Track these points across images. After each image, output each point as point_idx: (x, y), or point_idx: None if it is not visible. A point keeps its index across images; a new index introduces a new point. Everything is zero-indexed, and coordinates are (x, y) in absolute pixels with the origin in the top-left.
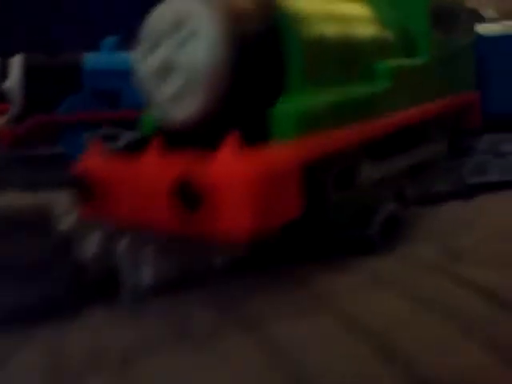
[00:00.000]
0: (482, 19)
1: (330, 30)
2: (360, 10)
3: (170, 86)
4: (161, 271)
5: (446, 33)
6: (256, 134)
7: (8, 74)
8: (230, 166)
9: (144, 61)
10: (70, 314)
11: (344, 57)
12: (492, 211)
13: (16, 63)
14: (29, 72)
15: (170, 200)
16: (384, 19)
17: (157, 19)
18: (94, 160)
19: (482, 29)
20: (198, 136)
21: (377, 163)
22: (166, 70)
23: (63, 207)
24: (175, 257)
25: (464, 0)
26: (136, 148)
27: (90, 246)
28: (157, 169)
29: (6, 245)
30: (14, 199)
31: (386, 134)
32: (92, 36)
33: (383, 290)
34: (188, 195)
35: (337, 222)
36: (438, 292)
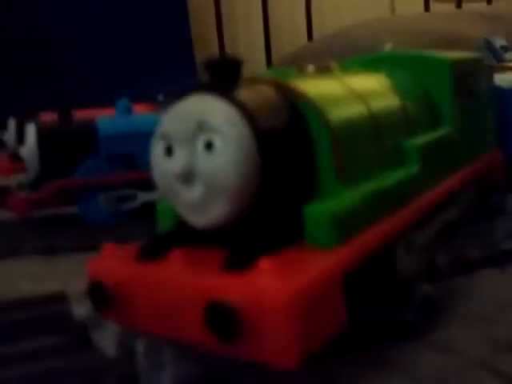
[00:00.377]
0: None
1: (355, 111)
2: (378, 83)
3: (192, 193)
4: (183, 374)
5: (469, 94)
6: (287, 239)
7: (23, 137)
8: (267, 287)
9: (161, 162)
10: None
11: (372, 139)
12: None
13: (31, 130)
14: (43, 139)
15: (201, 324)
16: (405, 89)
17: (174, 119)
18: (108, 263)
19: (499, 80)
20: (225, 237)
21: (411, 235)
22: (187, 177)
23: (79, 292)
24: (198, 358)
25: (482, 57)
26: (156, 249)
27: (107, 341)
28: (182, 283)
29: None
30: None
31: (422, 215)
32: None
33: None
34: (221, 325)
35: (372, 309)
36: None
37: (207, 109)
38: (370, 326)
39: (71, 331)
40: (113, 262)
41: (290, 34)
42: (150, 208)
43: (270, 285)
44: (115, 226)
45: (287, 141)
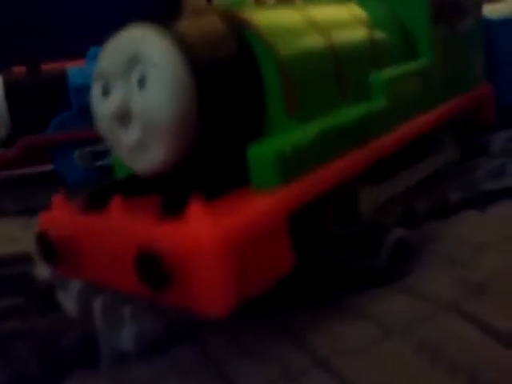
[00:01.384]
0: None
1: (312, 43)
2: (345, 14)
3: (129, 135)
4: (143, 331)
5: (451, 25)
6: (231, 181)
7: None
8: (198, 231)
9: (98, 104)
10: None
11: (331, 73)
12: (507, 225)
13: None
14: (12, 93)
15: (134, 271)
16: (377, 20)
17: (108, 55)
18: (57, 214)
19: (489, 11)
20: (168, 181)
21: (380, 186)
22: (122, 117)
23: None
24: (157, 315)
25: None
26: (100, 199)
27: (70, 300)
28: (119, 229)
29: None
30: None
31: (388, 154)
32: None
33: (397, 344)
34: (151, 273)
35: (341, 257)
36: (456, 340)
37: (140, 40)
38: (336, 273)
39: (34, 292)
40: (60, 212)
41: None
42: None
43: (198, 230)
44: (94, 182)
45: (231, 75)
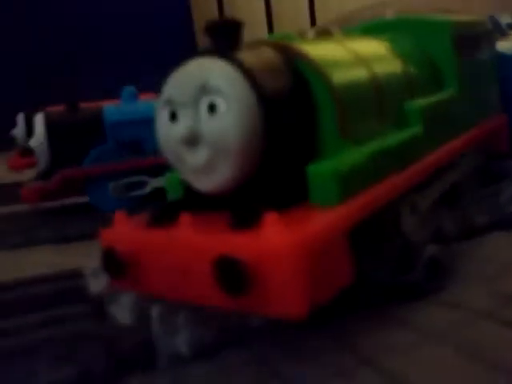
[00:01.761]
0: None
1: (358, 74)
2: (380, 47)
3: (197, 157)
4: (197, 336)
5: (471, 57)
6: (293, 198)
7: (32, 130)
8: (275, 241)
9: (166, 128)
10: None
11: (374, 101)
12: None
13: (39, 121)
14: (52, 129)
15: (211, 281)
16: (407, 54)
17: (177, 83)
18: (121, 231)
19: (501, 46)
20: (231, 200)
21: (416, 197)
22: (191, 140)
23: (93, 267)
24: (210, 320)
25: (485, 20)
26: (165, 216)
27: (123, 311)
28: (192, 243)
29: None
30: (46, 258)
31: (425, 177)
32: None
33: (437, 346)
34: (232, 279)
35: (381, 272)
36: (494, 342)
37: (209, 70)
38: (378, 287)
39: (88, 303)
40: (125, 229)
41: (293, 20)
42: (159, 194)
43: (275, 237)
44: (126, 212)
45: (289, 102)
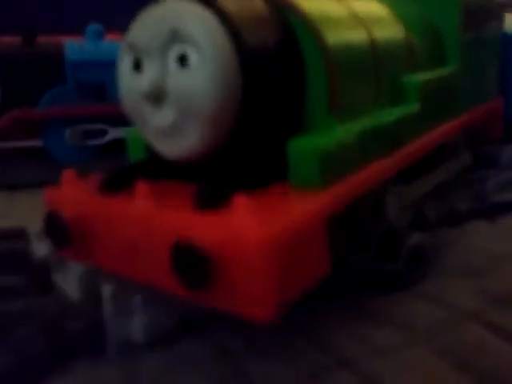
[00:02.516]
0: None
1: (356, 37)
2: (381, 10)
3: (162, 117)
4: (153, 321)
5: (477, 35)
6: (269, 177)
7: None
8: (244, 229)
9: (127, 79)
10: (48, 374)
11: (371, 70)
12: None
13: None
14: (4, 63)
15: (168, 266)
16: (411, 21)
17: (144, 27)
18: (69, 193)
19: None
20: (198, 170)
21: (403, 189)
22: (155, 97)
23: (39, 231)
24: (168, 306)
25: None
26: (121, 180)
27: (71, 283)
28: (148, 218)
29: None
30: None
31: (417, 159)
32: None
33: (421, 350)
34: (190, 269)
35: (361, 259)
36: (480, 349)
37: (182, 15)
38: (358, 276)
39: (31, 271)
40: (73, 191)
41: None
42: (120, 146)
43: (249, 226)
44: (82, 162)
45: (275, 61)
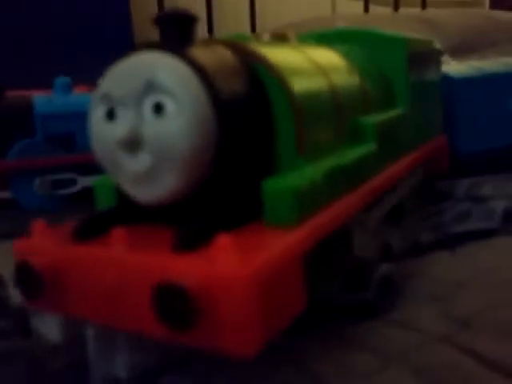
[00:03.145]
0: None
1: (318, 84)
2: (337, 58)
3: (138, 163)
4: (137, 358)
5: (421, 77)
6: (244, 217)
7: None
8: (228, 268)
9: (100, 128)
10: None
11: (332, 114)
12: (481, 266)
13: None
14: None
15: (149, 310)
16: (361, 67)
17: (118, 78)
18: (40, 242)
19: (448, 68)
20: (174, 213)
21: (365, 217)
22: (131, 144)
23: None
24: (152, 343)
25: (433, 41)
26: (93, 228)
27: (50, 328)
28: (126, 263)
29: None
30: None
31: (377, 195)
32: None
33: (398, 372)
34: (173, 310)
35: (331, 291)
36: (453, 369)
37: (157, 66)
38: (330, 307)
39: (9, 316)
40: (44, 240)
41: (234, 22)
42: (90, 194)
43: (230, 264)
44: (52, 212)
45: (246, 108)
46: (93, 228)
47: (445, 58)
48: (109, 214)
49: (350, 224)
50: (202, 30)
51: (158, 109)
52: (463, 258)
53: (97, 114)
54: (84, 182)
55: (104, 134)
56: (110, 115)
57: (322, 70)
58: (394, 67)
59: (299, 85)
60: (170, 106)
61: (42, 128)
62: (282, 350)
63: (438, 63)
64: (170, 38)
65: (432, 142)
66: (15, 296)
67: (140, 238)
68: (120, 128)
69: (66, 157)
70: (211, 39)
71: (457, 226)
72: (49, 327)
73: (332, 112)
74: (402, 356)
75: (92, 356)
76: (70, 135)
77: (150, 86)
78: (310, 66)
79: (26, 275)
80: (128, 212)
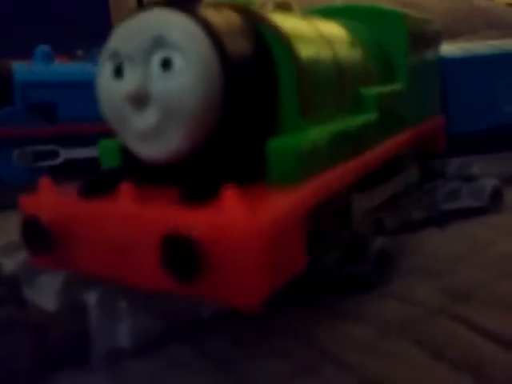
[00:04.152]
0: None
1: (322, 52)
2: (342, 31)
3: (145, 119)
4: (140, 328)
5: (420, 55)
6: (248, 174)
7: None
8: (237, 219)
9: (108, 84)
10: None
11: (336, 82)
12: (474, 241)
13: None
14: None
15: (156, 261)
16: (363, 40)
17: (126, 35)
18: (47, 198)
19: (443, 49)
20: (179, 172)
21: (365, 195)
22: (139, 100)
23: (3, 244)
24: (156, 310)
25: (433, 21)
26: (101, 185)
27: (45, 295)
28: (134, 216)
29: None
30: None
31: (377, 166)
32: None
33: (398, 342)
34: (180, 259)
35: (329, 262)
36: (453, 340)
37: (166, 23)
38: (327, 279)
39: (2, 284)
40: (52, 196)
41: None
42: (73, 167)
43: (237, 215)
44: (33, 185)
45: (252, 68)
46: (99, 185)
47: None
48: (115, 172)
49: (349, 199)
50: None
51: (166, 64)
52: (455, 234)
53: (105, 72)
54: (66, 153)
55: (112, 90)
56: (118, 72)
57: (326, 39)
58: (393, 42)
59: (305, 50)
60: (177, 61)
61: (22, 97)
62: (281, 319)
63: (438, 44)
64: None
65: (430, 121)
66: (6, 266)
67: (147, 193)
68: (128, 84)
69: (48, 128)
70: (219, 2)
71: (447, 204)
72: (44, 296)
73: (335, 80)
74: (401, 327)
75: (94, 325)
76: (51, 105)
77: (159, 42)
78: (316, 35)
79: (33, 230)
80: (134, 171)
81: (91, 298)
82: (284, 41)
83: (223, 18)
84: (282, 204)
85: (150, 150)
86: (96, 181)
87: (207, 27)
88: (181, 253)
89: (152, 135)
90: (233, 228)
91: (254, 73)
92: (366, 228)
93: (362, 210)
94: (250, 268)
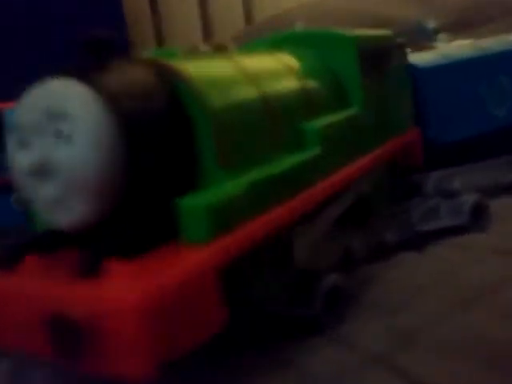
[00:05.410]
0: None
1: (244, 94)
2: (277, 64)
3: (48, 190)
4: None
5: (379, 73)
6: (160, 237)
7: None
8: (114, 294)
9: (16, 157)
10: None
11: (264, 123)
12: (443, 266)
13: None
14: None
15: (47, 338)
16: (309, 70)
17: (26, 108)
18: None
19: (415, 58)
20: (90, 238)
21: (309, 227)
22: (41, 171)
23: None
24: (70, 377)
25: (393, 35)
26: (15, 256)
27: None
28: (30, 291)
29: None
30: None
31: (321, 201)
32: None
33: None
34: (65, 339)
35: (274, 305)
36: None
37: (57, 94)
38: (270, 322)
39: None
40: None
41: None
42: None
43: (115, 290)
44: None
45: (160, 127)
46: (13, 256)
47: (441, 37)
48: (31, 242)
49: (290, 235)
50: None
51: (65, 137)
52: (428, 260)
53: (10, 143)
54: None
55: (17, 162)
56: (22, 144)
57: (252, 78)
58: (345, 67)
59: (221, 97)
60: (70, 132)
61: None
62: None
63: (402, 56)
64: (83, 63)
65: (401, 137)
66: None
67: (50, 265)
68: (29, 156)
69: None
70: (135, 59)
71: (425, 224)
72: None
73: (263, 120)
74: (335, 380)
75: None
76: None
77: (50, 113)
78: (239, 76)
79: None
80: (51, 238)
81: (2, 369)
82: (195, 92)
83: (128, 81)
84: (185, 266)
85: (56, 219)
86: (8, 252)
87: (101, 93)
88: (65, 335)
89: (56, 205)
90: (110, 304)
91: (164, 132)
92: (318, 264)
93: (308, 244)
94: (131, 342)
